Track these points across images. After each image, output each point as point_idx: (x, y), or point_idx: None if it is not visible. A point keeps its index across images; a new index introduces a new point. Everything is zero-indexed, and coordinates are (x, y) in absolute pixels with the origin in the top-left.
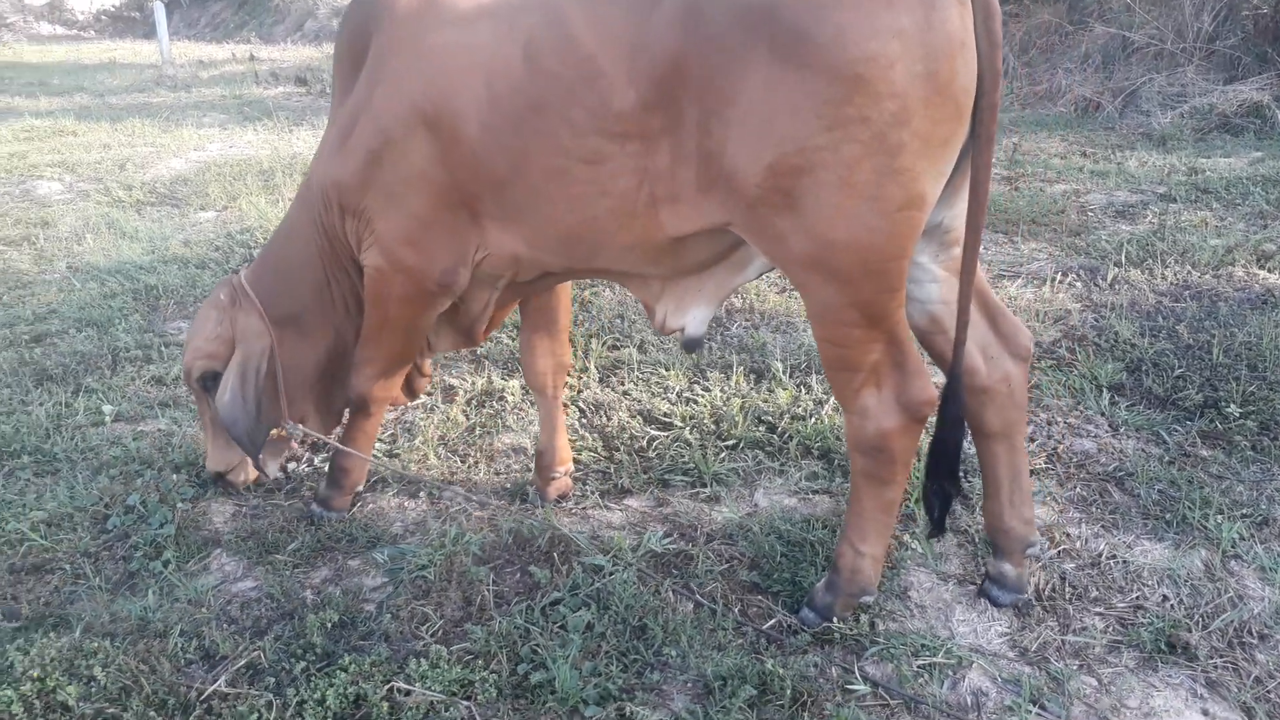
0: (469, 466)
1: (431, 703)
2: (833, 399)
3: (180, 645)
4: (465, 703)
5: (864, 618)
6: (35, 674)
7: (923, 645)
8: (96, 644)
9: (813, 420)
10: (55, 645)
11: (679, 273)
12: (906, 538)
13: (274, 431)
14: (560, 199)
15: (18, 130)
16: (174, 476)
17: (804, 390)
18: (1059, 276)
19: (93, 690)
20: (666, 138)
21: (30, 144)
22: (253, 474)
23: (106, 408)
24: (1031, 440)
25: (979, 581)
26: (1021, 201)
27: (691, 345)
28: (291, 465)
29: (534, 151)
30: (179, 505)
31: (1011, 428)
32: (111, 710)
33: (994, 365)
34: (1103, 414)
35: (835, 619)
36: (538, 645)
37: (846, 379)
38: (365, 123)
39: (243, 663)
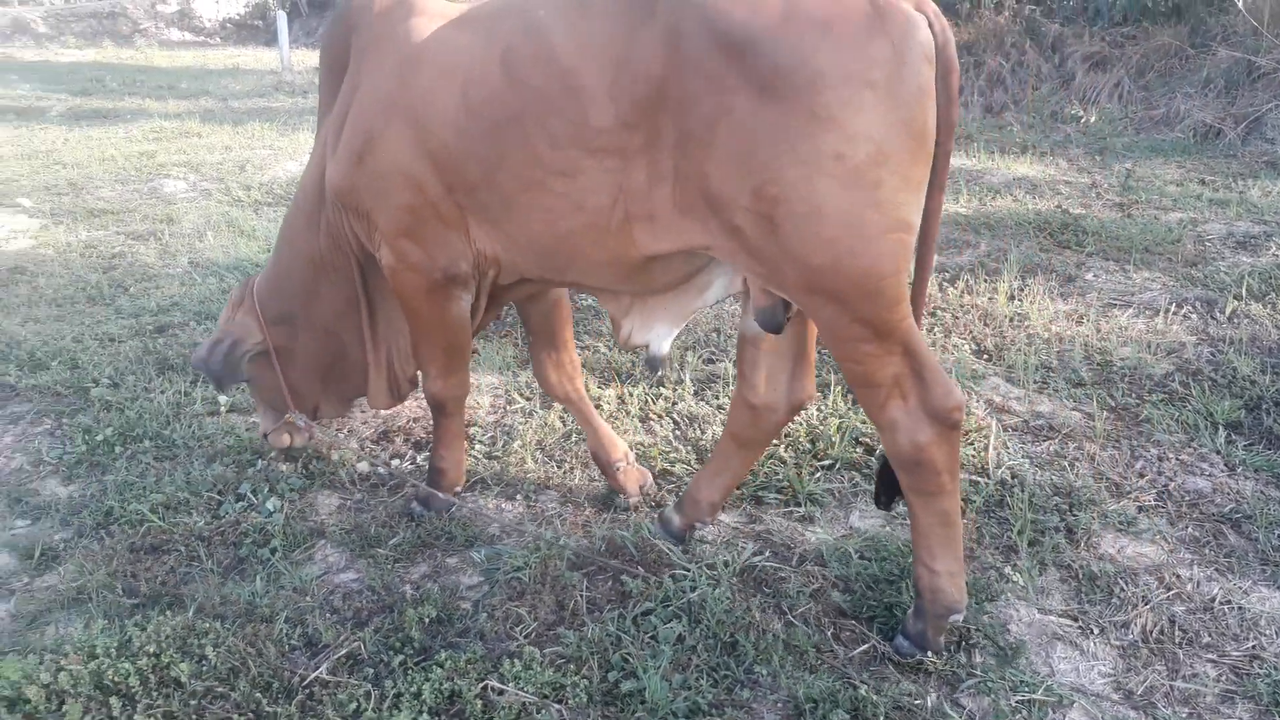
0: (564, 472)
1: (524, 704)
2: None
3: (285, 631)
4: (557, 706)
5: (960, 649)
6: (151, 650)
7: (1021, 681)
8: (208, 625)
9: None
10: (170, 624)
11: (649, 290)
12: (1008, 570)
13: (286, 418)
14: (535, 210)
15: (147, 131)
16: (283, 468)
17: None
18: (1173, 308)
19: (203, 669)
20: (644, 156)
21: (159, 144)
22: (286, 441)
23: (222, 398)
24: (1141, 475)
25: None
26: (1134, 229)
27: (654, 364)
28: (395, 462)
29: (508, 161)
30: (287, 496)
31: (752, 442)
32: (220, 689)
33: (770, 391)
34: (1218, 452)
35: (930, 650)
36: (629, 654)
37: (871, 395)
38: (350, 123)
39: (344, 652)
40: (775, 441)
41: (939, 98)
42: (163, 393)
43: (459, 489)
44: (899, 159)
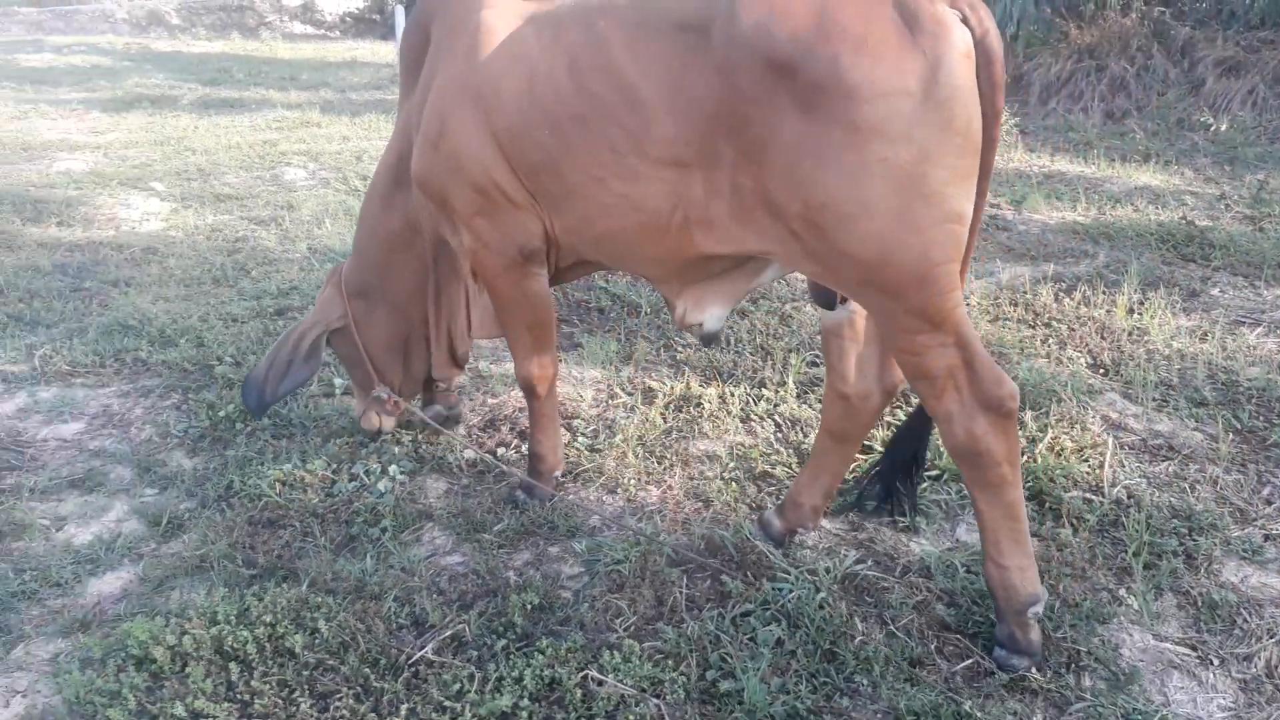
0: (664, 469)
1: (622, 696)
2: (1047, 437)
3: (393, 610)
4: (655, 700)
5: (1070, 670)
6: (268, 619)
7: (1134, 709)
8: (320, 599)
9: (1025, 458)
10: (285, 596)
11: (703, 279)
12: (1122, 592)
13: (372, 393)
14: (594, 204)
15: (271, 120)
16: (395, 449)
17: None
18: None
19: (316, 641)
20: (701, 171)
21: (280, 133)
22: (375, 423)
23: (337, 380)
24: (1268, 503)
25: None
26: (1267, 244)
27: (708, 339)
28: (500, 450)
29: (572, 153)
30: (398, 478)
31: (848, 435)
32: (331, 662)
33: (861, 380)
34: None
35: (1025, 653)
36: (727, 654)
37: (927, 387)
38: (427, 110)
39: (449, 633)
40: (879, 449)
41: (982, 87)
42: None
43: (559, 473)
44: (943, 154)
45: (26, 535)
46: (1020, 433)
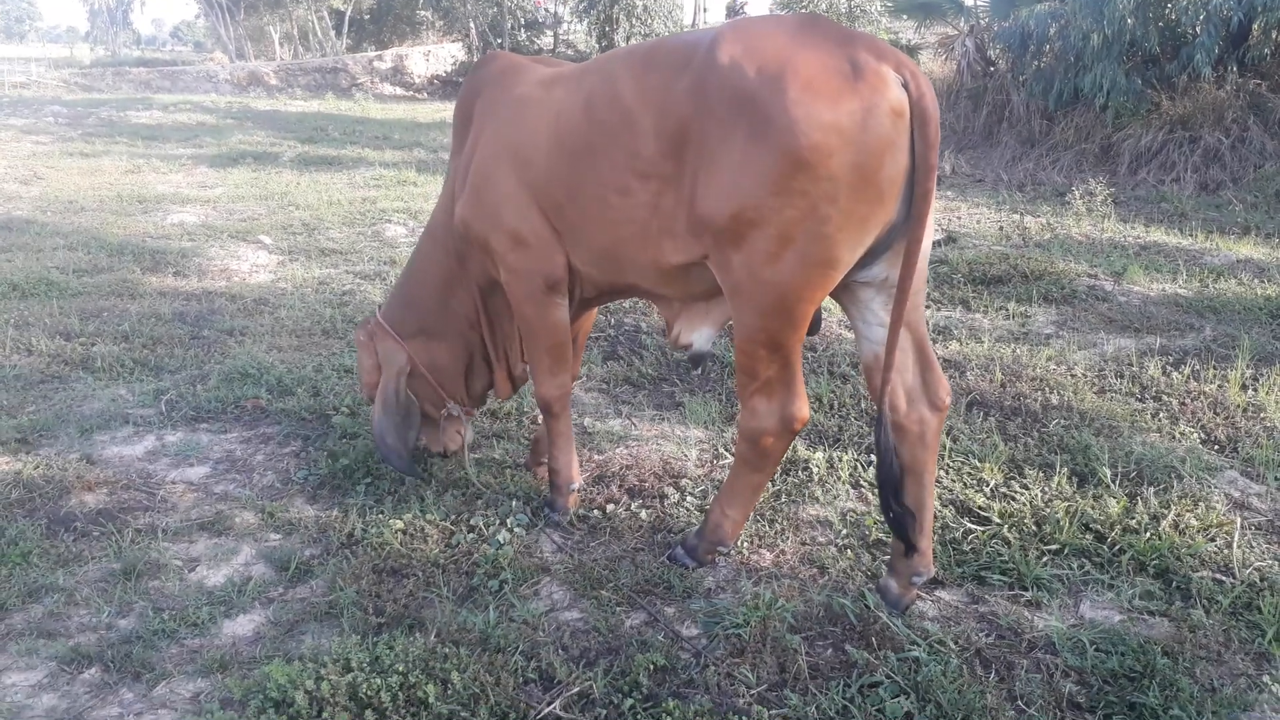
0: (776, 532)
1: None
2: (1170, 515)
3: (520, 663)
4: None
5: None
6: (400, 668)
7: None
8: (448, 650)
9: (1148, 535)
10: (415, 645)
11: (691, 296)
12: (1264, 679)
13: (443, 412)
14: (599, 221)
15: (369, 178)
16: (511, 503)
17: (1138, 502)
18: None
19: (448, 692)
20: (672, 183)
21: (379, 190)
22: (457, 440)
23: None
24: None
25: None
26: None
27: (697, 360)
28: (610, 507)
29: (584, 183)
30: (515, 530)
31: (920, 465)
32: (464, 714)
33: (912, 408)
34: None
35: (696, 562)
36: None
37: (746, 382)
38: (473, 168)
39: (575, 690)
40: (997, 521)
41: (916, 145)
42: None
43: (575, 486)
44: (846, 199)
45: (162, 575)
46: (1143, 509)
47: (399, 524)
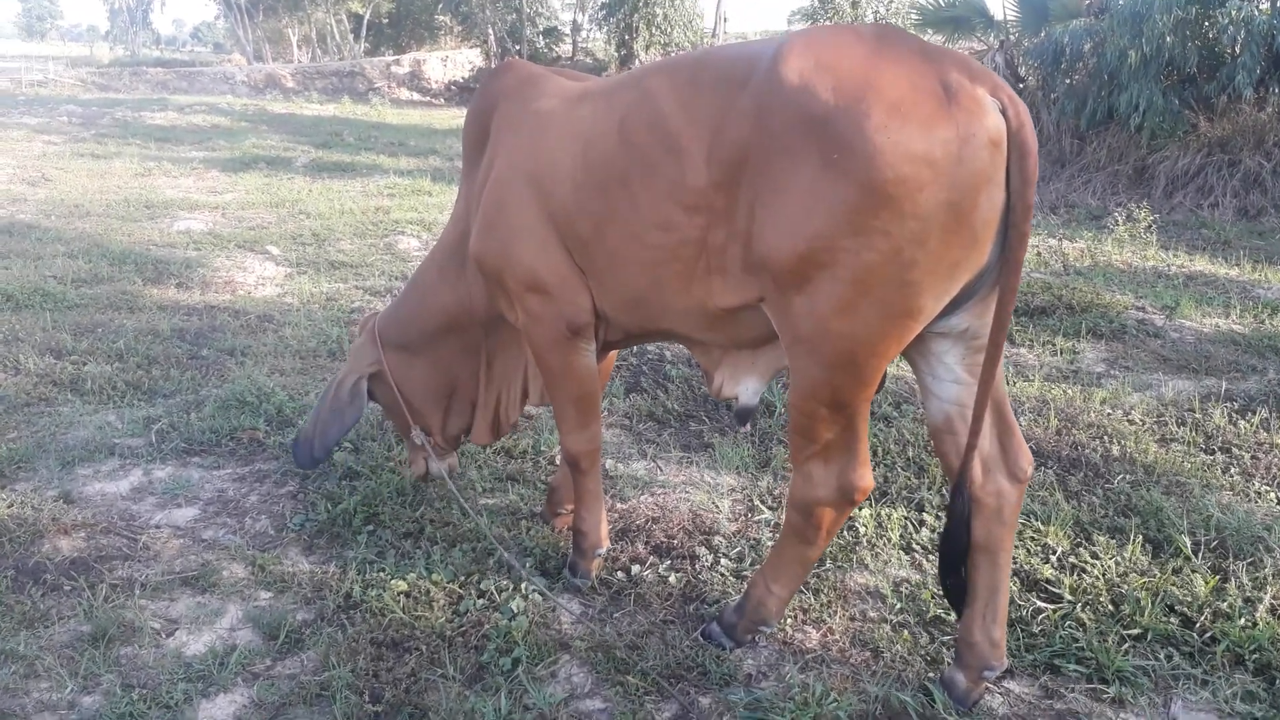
0: (821, 605)
1: None
2: (1267, 597)
3: None
4: None
5: None
6: None
7: None
8: None
9: (1243, 621)
10: None
11: (736, 344)
12: None
13: (411, 436)
14: (633, 261)
15: (382, 186)
16: (526, 562)
17: (1226, 579)
18: None
19: None
20: (724, 216)
21: (393, 200)
22: (419, 470)
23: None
24: None
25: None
26: None
27: (743, 415)
28: (635, 568)
29: (615, 215)
30: (530, 596)
31: (995, 543)
32: None
33: (989, 478)
34: None
35: (733, 641)
36: None
37: (802, 444)
38: (486, 194)
39: None
40: (1069, 598)
41: (1013, 181)
42: (403, 463)
43: (601, 551)
44: (936, 242)
45: (136, 640)
46: (1234, 589)
47: (402, 585)
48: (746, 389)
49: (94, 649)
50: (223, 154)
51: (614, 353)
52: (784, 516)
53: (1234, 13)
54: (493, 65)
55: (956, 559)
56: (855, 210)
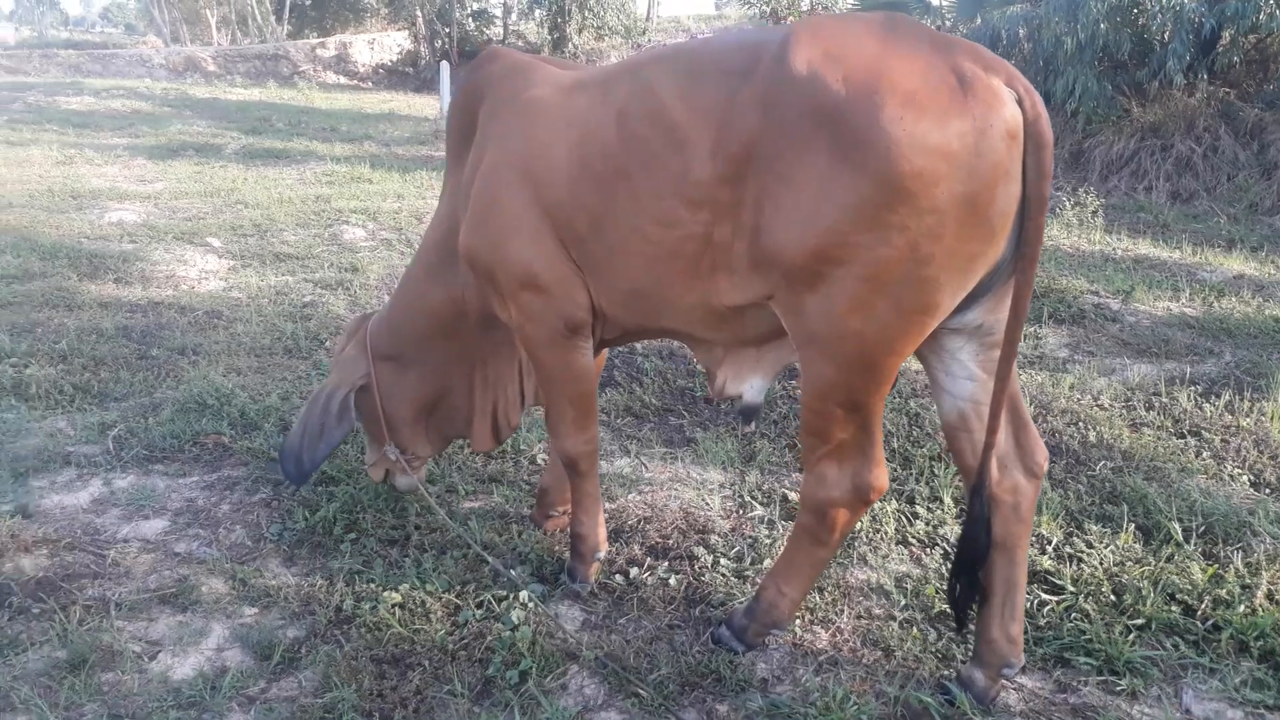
0: (829, 604)
1: None
2: (1264, 583)
3: None
4: None
5: None
6: None
7: None
8: None
9: (1243, 608)
10: None
11: (740, 342)
12: None
13: (383, 449)
14: (634, 258)
15: (320, 174)
16: (520, 568)
17: (1222, 565)
18: None
19: None
20: (730, 211)
21: (332, 188)
22: (381, 474)
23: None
24: None
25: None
26: None
27: (748, 413)
28: (634, 571)
29: (615, 211)
30: (530, 605)
31: (1012, 540)
32: None
33: (1005, 475)
34: None
35: (745, 645)
36: None
37: (814, 444)
38: (476, 187)
39: None
40: (1071, 588)
41: (1029, 173)
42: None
43: (601, 554)
44: (953, 236)
45: (117, 665)
46: (1231, 576)
47: (396, 597)
48: (752, 387)
49: (73, 676)
50: (147, 140)
51: (605, 350)
52: (796, 518)
53: (1164, 1)
54: (421, 49)
55: (975, 562)
56: (870, 204)
